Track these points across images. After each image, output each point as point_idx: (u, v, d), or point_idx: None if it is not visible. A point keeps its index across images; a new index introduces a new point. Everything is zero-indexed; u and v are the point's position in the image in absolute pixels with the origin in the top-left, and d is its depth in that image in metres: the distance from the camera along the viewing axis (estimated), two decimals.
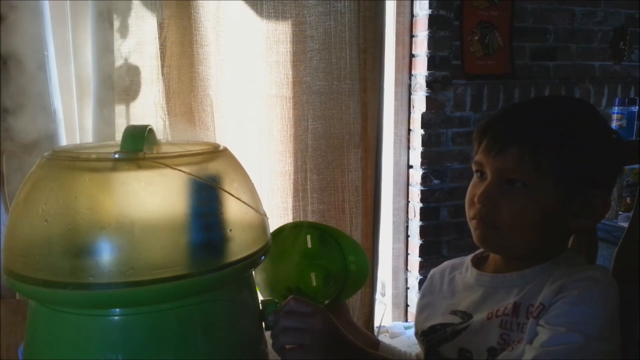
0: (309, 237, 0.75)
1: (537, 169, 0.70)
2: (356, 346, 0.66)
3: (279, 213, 1.88)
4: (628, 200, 1.83)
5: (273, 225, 0.65)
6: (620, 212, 1.80)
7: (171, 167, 0.51)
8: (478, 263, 0.83)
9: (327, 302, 0.76)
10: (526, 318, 0.69)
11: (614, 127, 2.09)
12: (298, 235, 0.75)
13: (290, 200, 1.89)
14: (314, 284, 0.74)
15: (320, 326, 0.62)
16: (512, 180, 0.71)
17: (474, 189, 0.76)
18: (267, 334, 0.63)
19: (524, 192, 0.71)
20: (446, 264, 0.88)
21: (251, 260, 0.56)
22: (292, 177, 1.88)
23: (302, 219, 1.87)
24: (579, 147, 0.71)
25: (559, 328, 0.64)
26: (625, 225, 0.87)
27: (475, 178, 0.77)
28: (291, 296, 0.62)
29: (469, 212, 0.76)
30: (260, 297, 0.67)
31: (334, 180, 1.91)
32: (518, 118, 0.76)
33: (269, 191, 1.86)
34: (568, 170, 0.70)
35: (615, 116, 2.17)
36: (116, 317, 0.50)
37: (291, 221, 1.56)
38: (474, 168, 0.77)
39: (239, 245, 0.55)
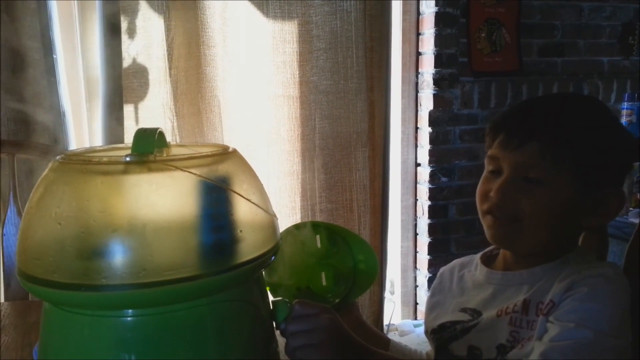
0: (318, 237, 0.75)
1: (556, 166, 0.70)
2: (363, 345, 0.67)
3: (287, 212, 1.88)
4: (638, 196, 1.82)
5: (281, 224, 0.66)
6: (631, 209, 1.79)
7: (181, 169, 0.51)
8: (487, 261, 0.82)
9: (337, 301, 0.76)
10: (536, 315, 0.69)
11: (624, 123, 2.07)
12: (307, 235, 0.76)
13: (298, 199, 1.90)
14: (324, 283, 0.74)
15: (326, 324, 0.62)
16: (529, 178, 0.71)
17: (486, 184, 0.76)
18: (278, 333, 0.63)
19: (541, 189, 0.71)
20: (455, 262, 0.88)
21: (261, 261, 0.56)
22: (299, 176, 1.89)
23: (310, 219, 1.88)
24: (597, 145, 0.71)
25: (569, 324, 0.64)
26: (636, 221, 0.87)
27: (486, 173, 0.77)
28: (296, 300, 0.63)
29: (483, 206, 0.76)
30: (271, 297, 0.67)
31: (341, 179, 1.91)
32: (535, 114, 0.75)
33: (277, 191, 1.86)
34: (585, 168, 0.70)
35: (624, 112, 2.15)
36: (128, 318, 0.51)
37: (300, 221, 1.56)
38: (487, 163, 0.77)
39: (249, 246, 0.55)
